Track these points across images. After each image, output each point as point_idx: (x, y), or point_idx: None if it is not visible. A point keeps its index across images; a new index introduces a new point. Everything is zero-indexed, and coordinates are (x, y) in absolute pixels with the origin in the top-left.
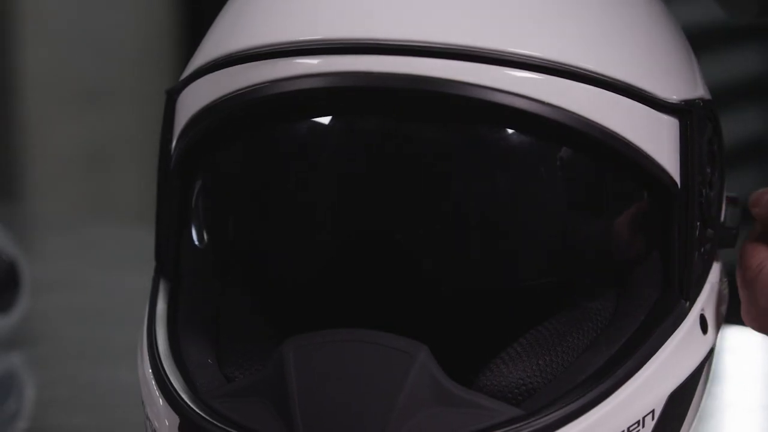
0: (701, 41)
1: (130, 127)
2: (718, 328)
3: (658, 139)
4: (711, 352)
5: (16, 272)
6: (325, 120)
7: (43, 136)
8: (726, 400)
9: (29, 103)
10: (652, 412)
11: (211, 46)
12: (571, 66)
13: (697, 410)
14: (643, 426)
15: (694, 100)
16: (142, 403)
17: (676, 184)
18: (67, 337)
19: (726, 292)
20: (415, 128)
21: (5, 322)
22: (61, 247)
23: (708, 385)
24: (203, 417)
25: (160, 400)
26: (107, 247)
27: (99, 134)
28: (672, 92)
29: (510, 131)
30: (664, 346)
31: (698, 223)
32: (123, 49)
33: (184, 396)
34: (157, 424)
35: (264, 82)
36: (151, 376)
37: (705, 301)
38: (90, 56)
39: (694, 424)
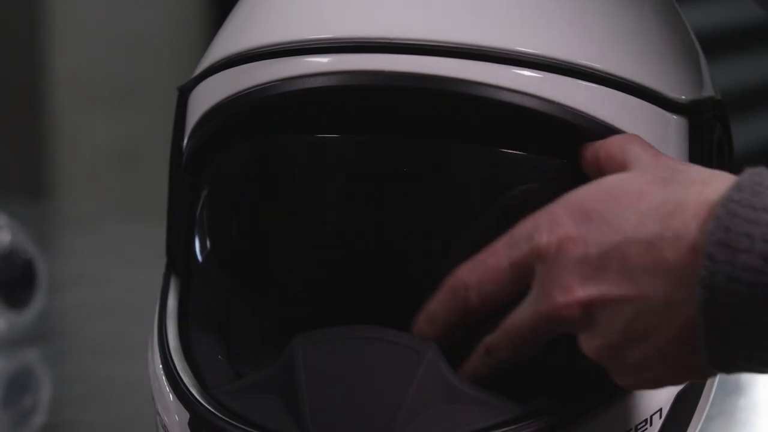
0: (720, 44)
1: (160, 127)
2: None
3: (666, 139)
4: None
5: (32, 270)
6: (336, 118)
7: (74, 135)
8: (754, 401)
9: (60, 102)
10: (660, 410)
11: (223, 44)
12: (579, 65)
13: (704, 409)
14: (651, 424)
15: (704, 99)
16: (153, 398)
17: None
18: (86, 333)
19: None
20: (424, 126)
21: (22, 319)
22: (86, 245)
23: (714, 384)
24: (213, 412)
25: (171, 396)
26: (132, 245)
27: (129, 134)
28: (681, 92)
29: (518, 129)
30: None
31: None
32: (153, 49)
33: (194, 391)
34: (167, 419)
35: (274, 81)
36: (162, 372)
37: None
38: (120, 56)
39: (701, 424)
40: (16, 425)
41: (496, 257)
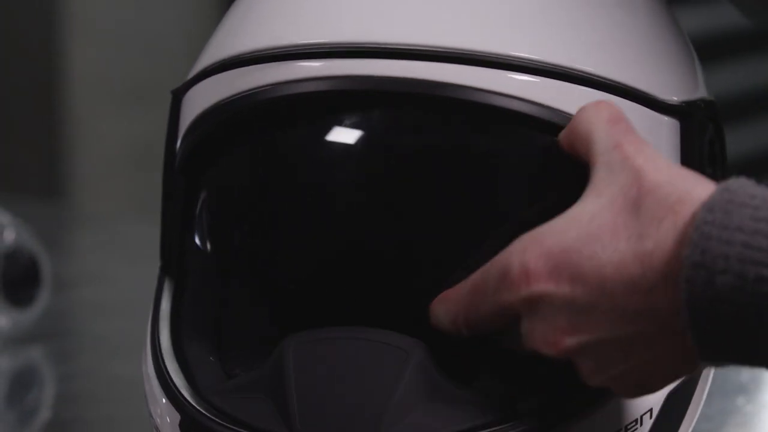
0: (724, 48)
1: None
2: None
3: (658, 141)
4: None
5: (36, 268)
6: (328, 123)
7: (89, 134)
8: (756, 400)
9: (75, 102)
10: (650, 410)
11: (216, 48)
12: (570, 68)
13: (697, 409)
14: (641, 424)
15: (695, 101)
16: (146, 399)
17: None
18: (90, 331)
19: None
20: (416, 131)
21: (25, 317)
22: (96, 244)
23: (707, 385)
24: (203, 414)
25: (162, 398)
26: (142, 245)
27: (144, 133)
28: (672, 93)
29: (510, 134)
30: None
31: None
32: (168, 50)
33: (185, 393)
34: (159, 421)
35: (267, 85)
36: (154, 373)
37: None
38: (136, 56)
39: (694, 424)
40: (21, 422)
41: (477, 295)
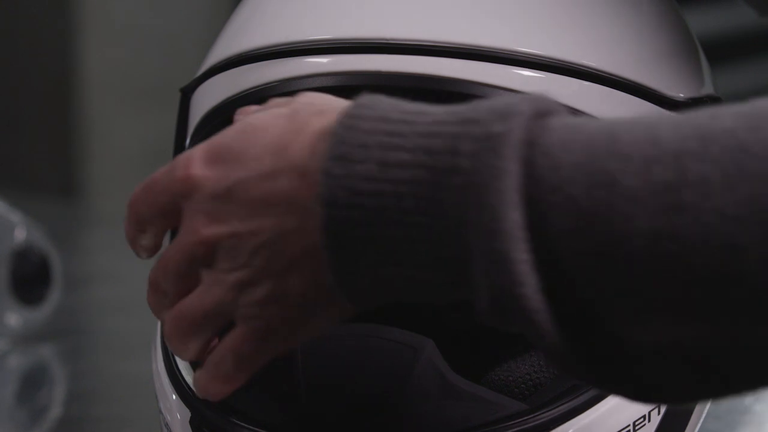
0: (733, 48)
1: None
2: None
3: None
4: None
5: (47, 267)
6: None
7: (104, 134)
8: (764, 399)
9: (90, 102)
10: (658, 406)
11: (224, 45)
12: (577, 64)
13: (705, 406)
14: (649, 420)
15: (702, 97)
16: (156, 397)
17: None
18: (101, 330)
19: None
20: None
21: (36, 315)
22: (109, 243)
23: None
24: (213, 410)
25: (173, 395)
26: None
27: (159, 133)
28: (678, 90)
29: None
30: None
31: None
32: (183, 49)
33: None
34: (169, 418)
35: (275, 81)
36: (164, 371)
37: None
38: (151, 56)
39: (702, 421)
40: (32, 420)
41: (146, 190)
